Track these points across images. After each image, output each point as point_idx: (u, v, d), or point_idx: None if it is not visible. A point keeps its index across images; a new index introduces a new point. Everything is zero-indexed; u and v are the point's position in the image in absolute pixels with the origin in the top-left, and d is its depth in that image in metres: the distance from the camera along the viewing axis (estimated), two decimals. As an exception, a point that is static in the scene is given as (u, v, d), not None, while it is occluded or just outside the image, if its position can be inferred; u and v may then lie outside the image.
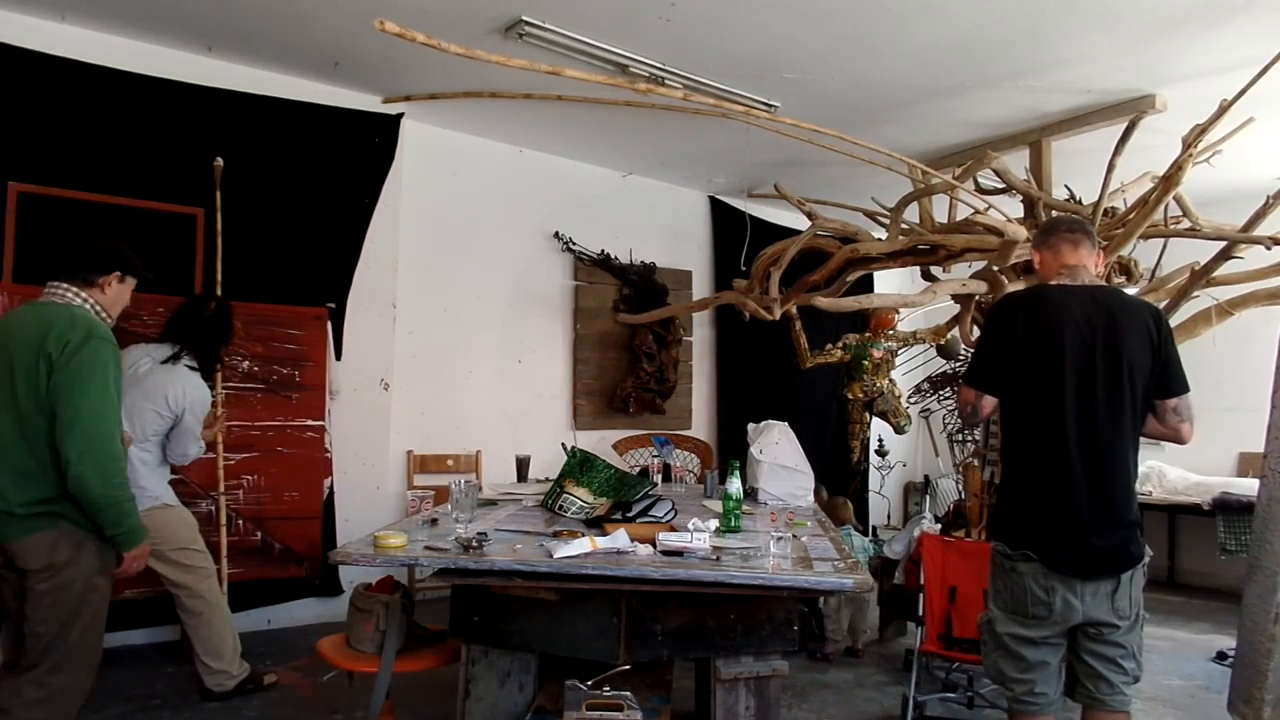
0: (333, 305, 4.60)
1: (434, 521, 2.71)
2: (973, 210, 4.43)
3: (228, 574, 3.84)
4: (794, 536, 2.58)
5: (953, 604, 3.40)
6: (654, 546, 2.34)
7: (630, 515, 2.76)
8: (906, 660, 3.86)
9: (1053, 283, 2.39)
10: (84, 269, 2.42)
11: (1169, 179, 3.92)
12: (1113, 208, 4.55)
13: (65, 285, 2.39)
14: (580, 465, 2.92)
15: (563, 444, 3.42)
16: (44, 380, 2.22)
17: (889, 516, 7.61)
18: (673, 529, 2.54)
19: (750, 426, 3.89)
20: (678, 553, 2.28)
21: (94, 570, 2.35)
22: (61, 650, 2.30)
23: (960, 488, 6.63)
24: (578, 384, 6.02)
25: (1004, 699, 2.38)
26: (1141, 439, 2.34)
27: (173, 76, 4.20)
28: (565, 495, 2.89)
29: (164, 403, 3.26)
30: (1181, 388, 2.31)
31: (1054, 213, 4.67)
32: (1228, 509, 5.37)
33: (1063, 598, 2.20)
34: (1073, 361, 2.24)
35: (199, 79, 4.27)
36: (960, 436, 6.36)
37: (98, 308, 2.41)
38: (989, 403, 2.37)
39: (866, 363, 6.05)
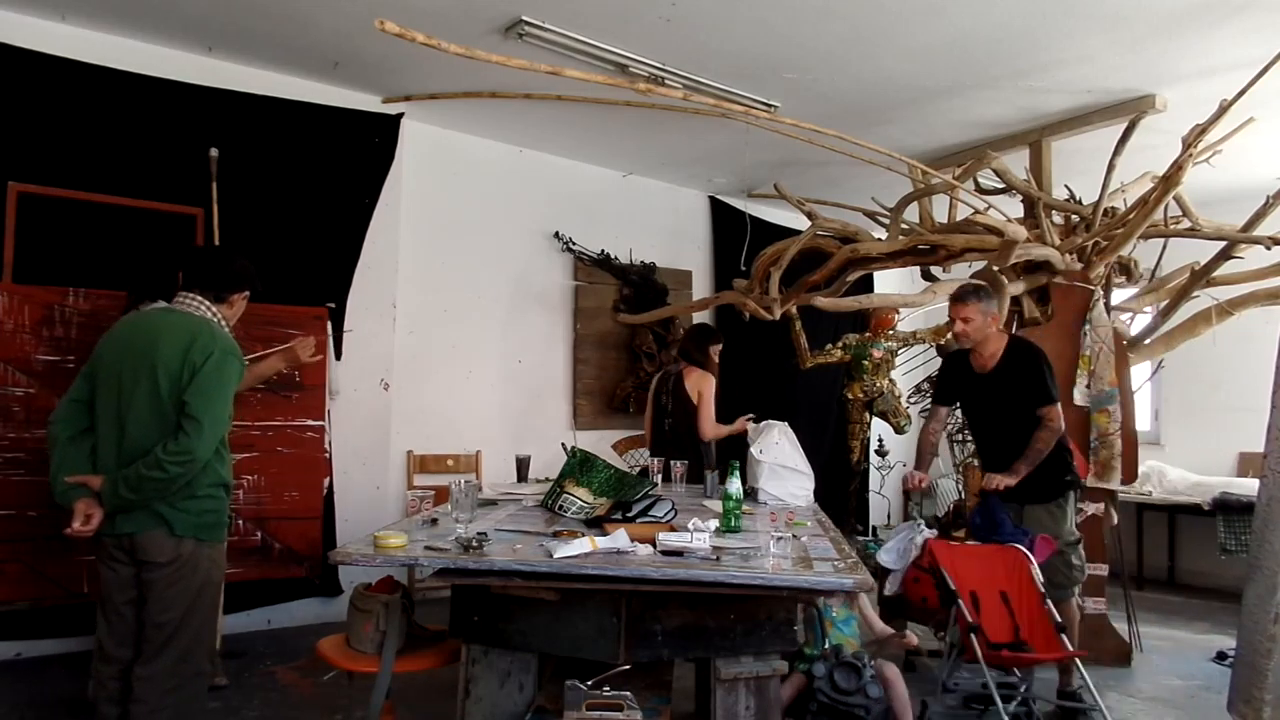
0: (333, 305, 4.59)
1: (434, 521, 2.71)
2: (973, 210, 4.43)
3: (227, 574, 3.84)
4: (794, 536, 2.58)
5: (978, 611, 3.16)
6: (654, 546, 2.33)
7: (630, 515, 2.75)
8: (908, 661, 3.87)
9: None
10: (219, 286, 2.61)
11: (1169, 179, 3.92)
12: (1113, 208, 4.55)
13: (200, 298, 2.58)
14: (580, 465, 2.91)
15: (563, 444, 3.42)
16: (186, 382, 2.41)
17: (889, 516, 7.61)
18: (673, 529, 2.54)
19: (750, 426, 3.89)
20: (678, 553, 2.28)
21: (211, 562, 2.52)
22: (186, 639, 2.44)
23: (960, 488, 6.64)
24: (578, 384, 6.02)
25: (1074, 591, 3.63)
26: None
27: (173, 76, 4.19)
28: (565, 495, 2.89)
29: None
30: None
31: (1054, 213, 4.68)
32: (1228, 509, 5.37)
33: None
34: None
35: (199, 79, 4.26)
36: (960, 437, 6.37)
37: (223, 321, 2.61)
38: None
39: (866, 363, 6.05)
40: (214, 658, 3.60)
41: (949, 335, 6.03)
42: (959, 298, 3.64)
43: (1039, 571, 3.28)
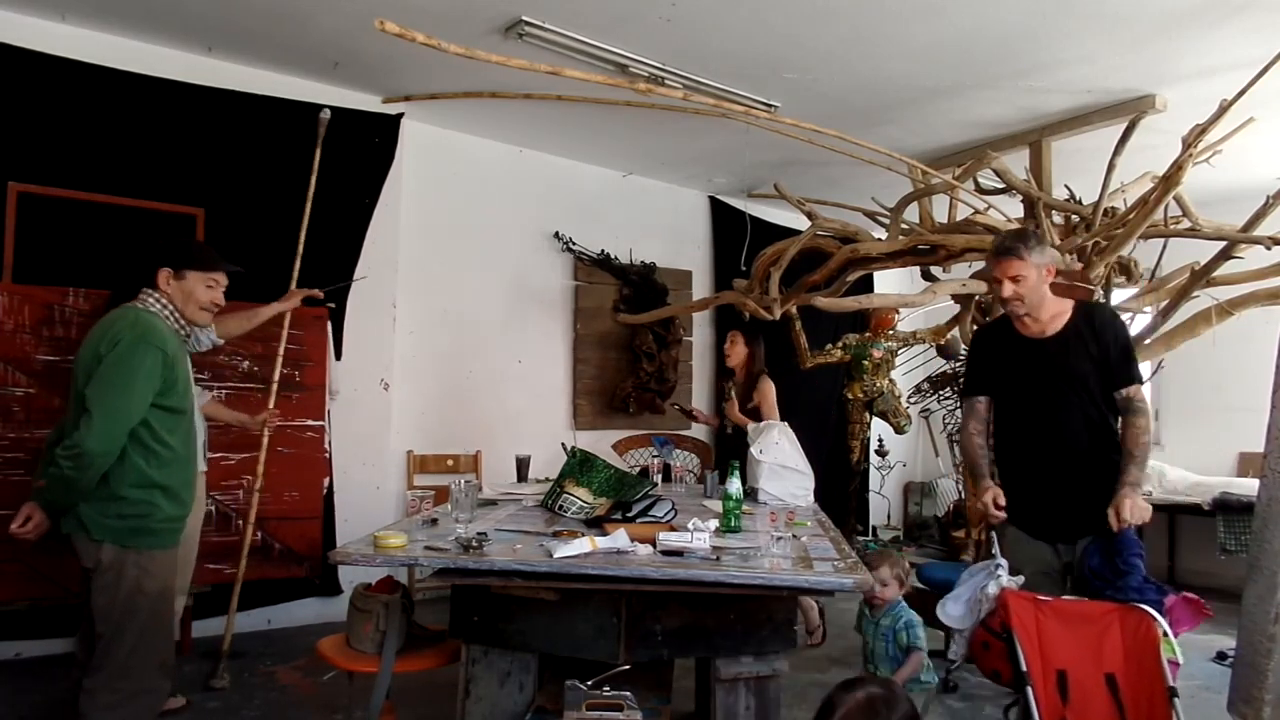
0: (333, 305, 4.59)
1: (434, 521, 2.71)
2: (973, 210, 4.43)
3: (228, 573, 3.85)
4: (794, 536, 2.58)
5: (1066, 701, 2.26)
6: (654, 546, 2.33)
7: (630, 515, 2.75)
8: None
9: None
10: (141, 273, 2.56)
11: (1169, 179, 3.91)
12: (1113, 208, 4.55)
13: (147, 291, 2.56)
14: (580, 465, 2.91)
15: (563, 444, 3.42)
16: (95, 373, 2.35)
17: (889, 516, 7.61)
18: (673, 529, 2.54)
19: (750, 426, 3.89)
20: (678, 553, 2.28)
21: (141, 570, 2.39)
22: (122, 654, 2.34)
23: (960, 488, 6.63)
24: (578, 384, 6.02)
25: None
26: None
27: (173, 76, 4.20)
28: (565, 495, 2.89)
29: None
30: None
31: (1054, 213, 4.68)
32: (1228, 509, 5.37)
33: None
34: None
35: (199, 79, 4.27)
36: (960, 438, 6.35)
37: (169, 308, 2.55)
38: None
39: (866, 363, 6.05)
40: (182, 671, 3.57)
41: (949, 335, 6.07)
42: (1004, 251, 2.67)
43: (1176, 647, 2.40)
